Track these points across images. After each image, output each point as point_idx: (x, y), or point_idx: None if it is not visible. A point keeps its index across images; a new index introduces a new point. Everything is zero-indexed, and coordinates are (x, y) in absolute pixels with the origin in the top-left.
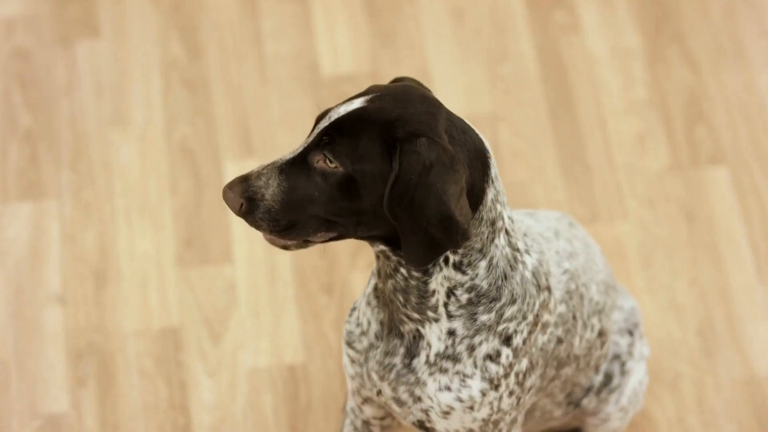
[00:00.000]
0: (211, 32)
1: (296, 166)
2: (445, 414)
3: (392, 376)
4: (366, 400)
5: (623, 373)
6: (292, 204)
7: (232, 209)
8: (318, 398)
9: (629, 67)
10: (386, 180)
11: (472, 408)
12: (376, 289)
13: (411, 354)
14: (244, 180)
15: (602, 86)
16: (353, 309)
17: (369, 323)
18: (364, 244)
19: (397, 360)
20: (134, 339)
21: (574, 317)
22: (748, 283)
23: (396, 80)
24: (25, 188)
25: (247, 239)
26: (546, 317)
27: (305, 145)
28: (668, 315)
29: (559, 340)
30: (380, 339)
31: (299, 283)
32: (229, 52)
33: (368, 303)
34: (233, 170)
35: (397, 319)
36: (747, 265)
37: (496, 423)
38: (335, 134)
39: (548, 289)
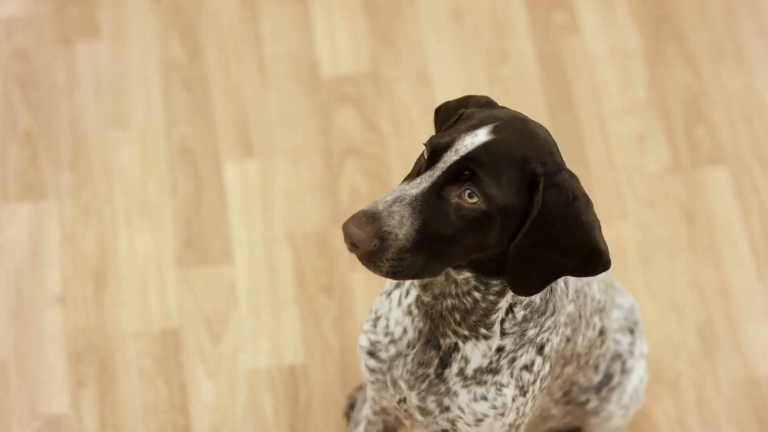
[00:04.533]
0: (211, 33)
1: (428, 201)
2: (478, 422)
3: (424, 386)
4: (382, 409)
5: (624, 371)
6: (423, 244)
7: (360, 248)
8: (318, 399)
9: (629, 67)
10: (523, 215)
11: (503, 414)
12: (417, 299)
13: (443, 364)
14: (374, 218)
15: (602, 86)
16: (377, 318)
17: (405, 332)
18: None
19: (431, 371)
20: (134, 340)
21: (580, 316)
22: (748, 283)
23: (468, 98)
24: (24, 189)
25: (246, 240)
26: (561, 319)
27: (433, 179)
28: (668, 315)
29: (568, 339)
30: (411, 347)
31: (299, 284)
32: (228, 53)
33: (409, 313)
34: (233, 170)
35: (440, 332)
36: (747, 265)
37: (518, 426)
38: (477, 169)
39: (568, 295)
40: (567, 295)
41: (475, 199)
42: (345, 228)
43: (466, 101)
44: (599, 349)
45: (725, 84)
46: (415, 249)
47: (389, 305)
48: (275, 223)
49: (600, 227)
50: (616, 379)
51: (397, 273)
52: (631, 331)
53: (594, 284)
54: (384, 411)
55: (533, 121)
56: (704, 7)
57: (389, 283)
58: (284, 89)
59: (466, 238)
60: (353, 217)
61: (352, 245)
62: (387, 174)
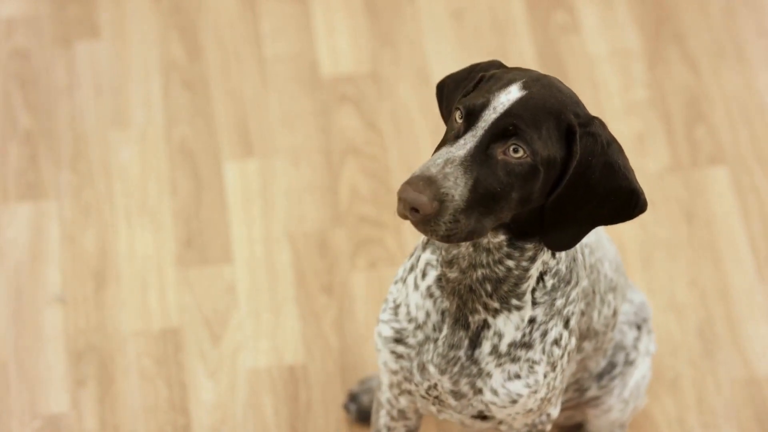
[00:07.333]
0: (211, 33)
1: (476, 160)
2: (512, 403)
3: (456, 369)
4: (403, 392)
5: (627, 363)
6: (475, 203)
7: (420, 212)
8: (318, 399)
9: (629, 67)
10: (564, 165)
11: (536, 392)
12: (440, 280)
13: (473, 345)
14: (430, 181)
15: (602, 86)
16: (396, 306)
17: (428, 315)
18: (363, 244)
19: (462, 353)
20: (134, 339)
21: (593, 291)
22: (748, 283)
23: (475, 66)
24: (24, 189)
25: (246, 240)
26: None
27: (477, 139)
28: (668, 315)
29: (582, 313)
30: (438, 330)
31: (299, 284)
32: (228, 53)
33: (429, 295)
34: (233, 170)
35: (469, 308)
36: (747, 265)
37: (549, 399)
38: (519, 123)
39: (586, 267)
40: (585, 267)
41: (520, 153)
42: (403, 194)
43: (473, 69)
44: (611, 332)
45: (725, 84)
46: (468, 209)
47: (406, 291)
48: (275, 223)
49: (633, 170)
50: (618, 369)
51: (452, 235)
52: (639, 327)
53: (606, 263)
54: (403, 415)
55: (553, 77)
56: (704, 7)
57: (402, 269)
58: (284, 89)
59: (513, 193)
60: (409, 182)
61: (411, 210)
62: (387, 174)
